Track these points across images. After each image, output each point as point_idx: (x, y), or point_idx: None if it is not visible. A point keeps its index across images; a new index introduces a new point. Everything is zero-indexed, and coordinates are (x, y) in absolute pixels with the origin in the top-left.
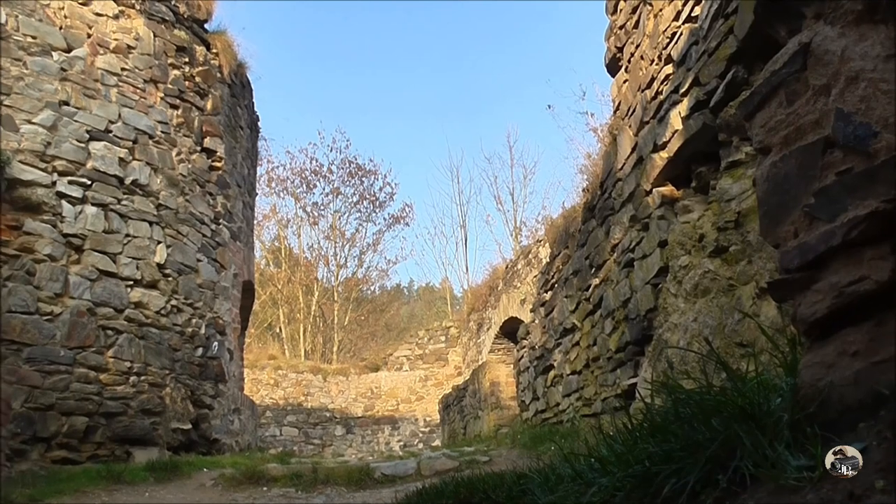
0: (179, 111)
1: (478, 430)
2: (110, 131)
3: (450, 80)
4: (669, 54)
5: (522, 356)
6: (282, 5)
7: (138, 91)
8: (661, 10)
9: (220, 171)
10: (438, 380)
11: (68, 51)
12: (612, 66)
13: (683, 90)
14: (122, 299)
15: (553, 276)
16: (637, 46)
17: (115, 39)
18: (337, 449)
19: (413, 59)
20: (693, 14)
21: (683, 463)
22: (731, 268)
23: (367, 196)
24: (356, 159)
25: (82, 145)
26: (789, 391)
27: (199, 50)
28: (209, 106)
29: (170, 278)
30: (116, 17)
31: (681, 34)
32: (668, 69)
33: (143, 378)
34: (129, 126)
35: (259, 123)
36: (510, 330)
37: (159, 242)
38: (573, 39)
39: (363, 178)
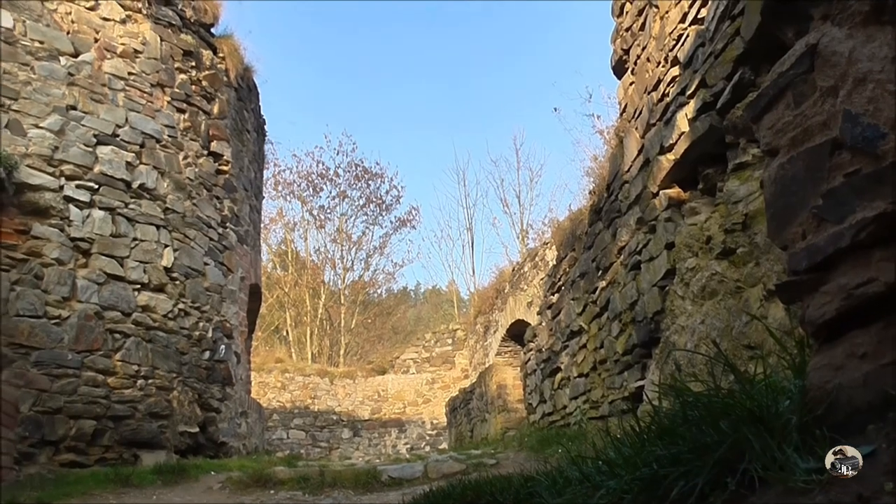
0: (186, 115)
1: (485, 432)
2: (117, 135)
3: (456, 84)
4: (676, 56)
5: (529, 359)
6: (286, 9)
7: (145, 95)
8: (667, 12)
9: (226, 175)
10: (445, 382)
11: (76, 55)
12: (619, 69)
13: (690, 92)
14: (130, 303)
15: (560, 279)
16: (643, 48)
17: (122, 44)
18: (344, 452)
19: (418, 63)
20: (699, 16)
21: (691, 465)
22: (738, 270)
23: (374, 199)
24: (362, 162)
25: (90, 149)
26: (798, 393)
27: (206, 54)
28: (216, 110)
29: (177, 282)
30: (123, 21)
31: (687, 36)
32: (675, 71)
33: (150, 381)
34: (137, 130)
35: (265, 127)
36: (517, 332)
37: (166, 246)
38: (579, 42)
39: (369, 182)
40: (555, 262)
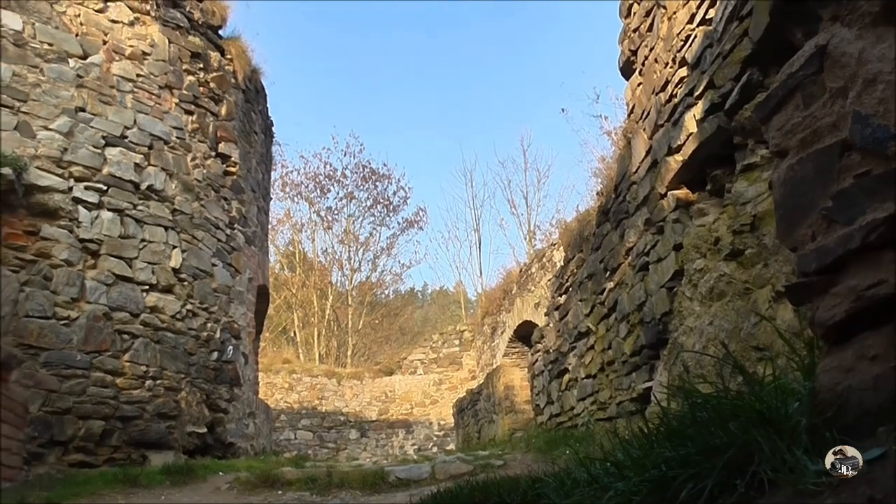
0: (194, 117)
1: (492, 433)
2: (126, 137)
3: (463, 85)
4: (684, 57)
5: (537, 360)
6: (294, 11)
7: (153, 97)
8: (674, 12)
9: (234, 176)
10: (452, 383)
11: (84, 57)
12: (626, 70)
13: (698, 93)
14: (138, 304)
15: (567, 280)
16: (651, 49)
17: (131, 46)
18: (351, 453)
19: (425, 64)
20: (707, 16)
21: (700, 467)
22: (746, 271)
23: (381, 200)
24: (370, 164)
25: (98, 151)
26: (807, 395)
27: (214, 56)
28: (224, 111)
29: (185, 283)
30: (132, 23)
31: (695, 37)
32: (683, 72)
33: (158, 382)
34: (145, 132)
35: (273, 128)
36: (524, 333)
37: (175, 247)
38: (587, 43)
39: (377, 183)
40: (562, 264)
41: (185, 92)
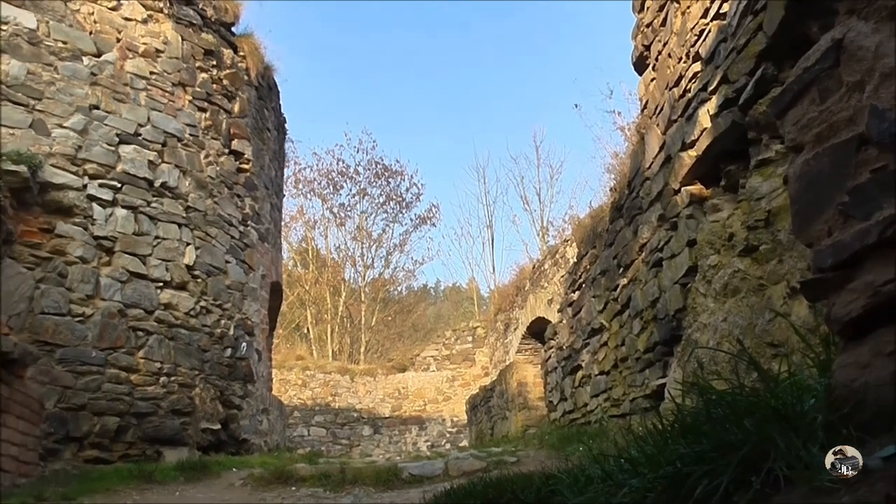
0: (207, 114)
1: (505, 430)
2: (139, 134)
3: (476, 81)
4: (697, 52)
5: (550, 356)
6: (306, 8)
7: (167, 94)
8: (688, 7)
9: (247, 173)
10: (465, 380)
11: (98, 55)
12: (640, 65)
13: (712, 88)
14: (153, 300)
15: (580, 276)
16: (664, 44)
17: (144, 44)
18: (364, 449)
19: (438, 61)
20: (721, 11)
21: (715, 464)
22: (761, 267)
23: (394, 197)
24: (382, 160)
25: (112, 149)
26: (823, 392)
27: (227, 53)
28: (236, 108)
29: (199, 280)
30: (145, 21)
31: (709, 31)
32: (697, 67)
33: (172, 378)
34: (158, 129)
35: (286, 125)
36: (537, 330)
37: (188, 244)
38: (600, 38)
39: (389, 179)
40: (575, 260)
41: (198, 89)
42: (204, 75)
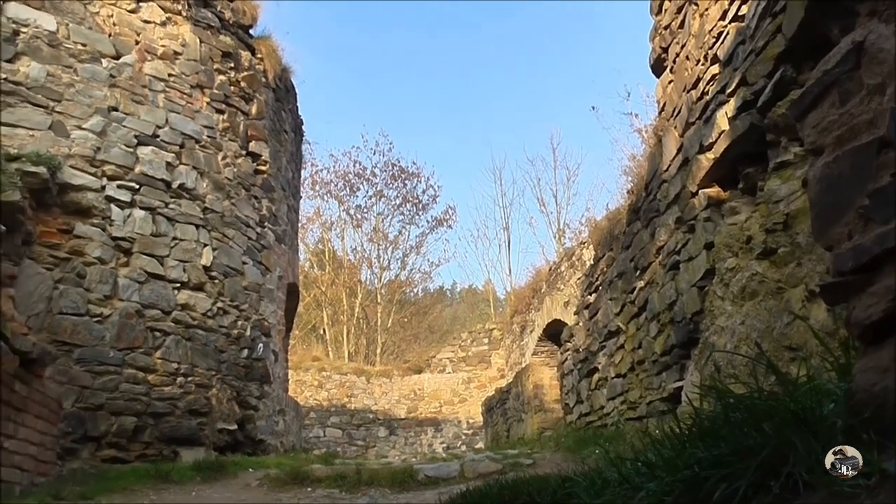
0: (225, 116)
1: (521, 432)
2: (158, 136)
3: (492, 83)
4: (715, 54)
5: (566, 359)
6: (323, 11)
7: (185, 96)
8: (706, 9)
9: (264, 175)
10: (481, 382)
11: (117, 57)
12: (657, 67)
13: (730, 90)
14: (170, 301)
15: (597, 279)
16: (682, 46)
17: (163, 46)
18: (380, 450)
19: (454, 63)
20: (740, 13)
21: (734, 468)
22: (779, 270)
23: (410, 198)
24: (399, 162)
25: (131, 150)
26: (843, 396)
27: (245, 55)
28: (254, 110)
29: (216, 280)
30: (164, 23)
31: (727, 34)
32: (715, 69)
33: (189, 379)
34: (176, 131)
35: (303, 127)
36: (553, 332)
37: (205, 245)
38: (617, 40)
39: (406, 181)
40: (592, 262)
41: (216, 91)
42: (222, 77)
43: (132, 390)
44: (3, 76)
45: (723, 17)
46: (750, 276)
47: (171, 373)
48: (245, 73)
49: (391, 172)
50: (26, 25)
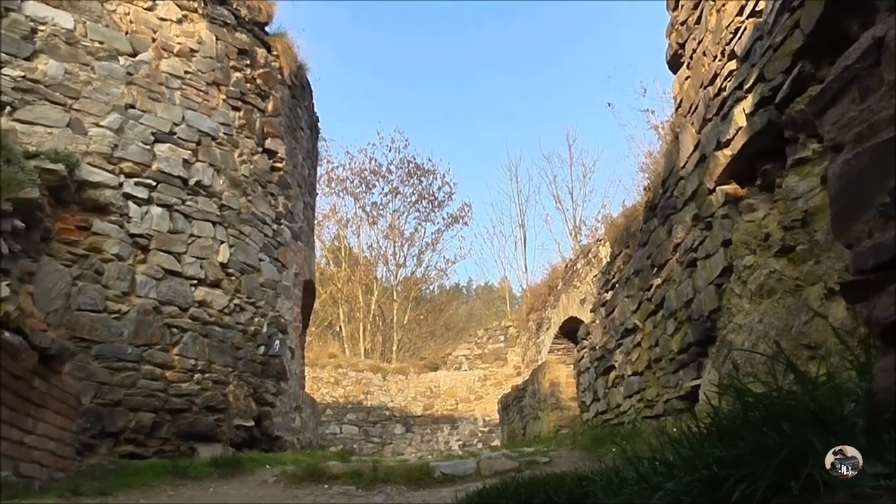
0: (241, 113)
1: (537, 430)
2: (174, 133)
3: (508, 80)
4: (733, 50)
5: (583, 356)
6: (338, 8)
7: (201, 94)
8: (723, 5)
9: (281, 172)
10: (497, 379)
11: (134, 55)
12: (674, 63)
13: (747, 86)
14: (187, 298)
15: (614, 276)
16: (699, 42)
17: (179, 43)
18: (396, 447)
19: (470, 59)
20: (757, 8)
21: (753, 468)
22: (797, 268)
23: (426, 195)
24: (415, 159)
25: (148, 147)
26: (863, 396)
27: (260, 52)
28: (270, 107)
29: (233, 277)
30: (180, 21)
31: (745, 29)
32: (732, 65)
33: (206, 375)
34: (193, 128)
35: (319, 124)
36: (570, 330)
37: (222, 242)
38: (634, 36)
39: (422, 178)
40: (608, 259)
41: (232, 88)
42: (238, 74)
43: (150, 386)
44: (22, 74)
45: (740, 13)
46: (768, 274)
47: (188, 369)
48: (261, 71)
49: (407, 169)
50: (44, 23)
